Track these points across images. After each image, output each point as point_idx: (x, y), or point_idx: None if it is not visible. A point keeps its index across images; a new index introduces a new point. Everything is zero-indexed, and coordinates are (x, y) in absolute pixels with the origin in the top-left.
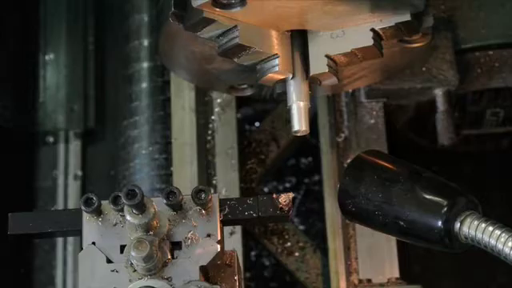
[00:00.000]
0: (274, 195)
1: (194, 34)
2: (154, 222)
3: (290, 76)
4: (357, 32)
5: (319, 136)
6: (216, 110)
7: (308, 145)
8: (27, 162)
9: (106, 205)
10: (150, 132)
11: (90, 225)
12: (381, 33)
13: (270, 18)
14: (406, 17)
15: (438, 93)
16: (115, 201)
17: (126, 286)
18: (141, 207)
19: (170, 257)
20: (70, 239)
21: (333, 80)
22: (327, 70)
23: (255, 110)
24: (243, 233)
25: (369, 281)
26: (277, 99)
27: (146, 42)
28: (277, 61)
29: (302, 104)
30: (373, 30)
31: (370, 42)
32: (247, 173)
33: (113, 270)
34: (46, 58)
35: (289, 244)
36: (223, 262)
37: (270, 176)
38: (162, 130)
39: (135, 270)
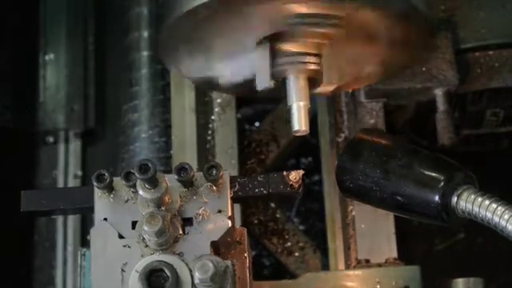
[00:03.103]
0: (285, 172)
1: (195, 29)
2: (166, 198)
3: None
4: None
5: (319, 136)
6: (216, 109)
7: (308, 145)
8: (27, 162)
9: (117, 181)
10: (149, 116)
11: (101, 201)
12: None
13: (270, 18)
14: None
15: (438, 93)
16: (127, 177)
17: (137, 261)
18: (153, 181)
19: (181, 232)
20: (70, 239)
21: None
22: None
23: (255, 110)
24: None
25: (367, 261)
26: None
27: (145, 34)
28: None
29: (302, 104)
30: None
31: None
32: (247, 173)
33: (125, 246)
34: (46, 57)
35: (289, 244)
36: (233, 239)
37: None
38: (161, 114)
39: (147, 246)
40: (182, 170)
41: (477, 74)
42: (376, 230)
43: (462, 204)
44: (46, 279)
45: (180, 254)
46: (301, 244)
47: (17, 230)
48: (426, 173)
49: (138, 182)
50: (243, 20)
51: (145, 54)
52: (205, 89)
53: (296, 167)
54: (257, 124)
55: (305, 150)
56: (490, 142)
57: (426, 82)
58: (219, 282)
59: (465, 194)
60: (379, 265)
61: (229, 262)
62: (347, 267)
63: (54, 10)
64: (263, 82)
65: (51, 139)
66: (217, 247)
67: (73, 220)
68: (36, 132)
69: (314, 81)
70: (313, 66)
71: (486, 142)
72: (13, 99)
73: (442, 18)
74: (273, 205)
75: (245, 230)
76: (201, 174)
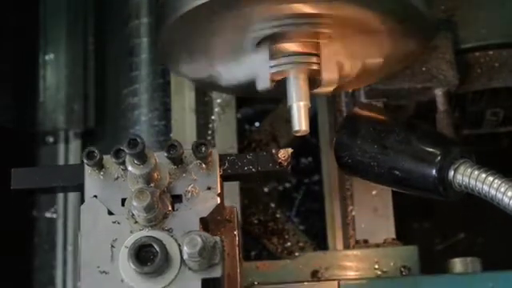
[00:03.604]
0: (274, 150)
1: (195, 30)
2: (155, 174)
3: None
4: (354, 29)
5: (319, 136)
6: (216, 110)
7: (308, 145)
8: (27, 162)
9: (107, 159)
10: (149, 99)
11: (91, 178)
12: (373, 27)
13: (270, 18)
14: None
15: (438, 93)
16: (117, 154)
17: (127, 237)
18: (142, 157)
19: (170, 209)
20: (70, 239)
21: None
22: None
23: (255, 110)
24: (243, 233)
25: (365, 241)
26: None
27: (145, 20)
28: (274, 61)
29: (302, 104)
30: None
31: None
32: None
33: (114, 222)
34: (46, 57)
35: (289, 244)
36: (223, 217)
37: None
38: (161, 98)
39: (136, 222)
40: (171, 147)
41: (477, 74)
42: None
43: (459, 178)
44: (45, 279)
45: (169, 230)
46: (301, 244)
47: (17, 230)
48: (423, 147)
49: (127, 158)
50: (243, 20)
51: (144, 40)
52: (205, 89)
53: (296, 167)
54: (257, 124)
55: (305, 150)
56: (489, 142)
57: (425, 82)
58: (208, 257)
59: (461, 168)
60: (377, 245)
61: (217, 238)
62: (346, 248)
63: (54, 9)
64: (263, 83)
65: (51, 139)
66: (206, 223)
67: (73, 220)
68: (36, 132)
69: (314, 81)
70: (313, 66)
71: (486, 142)
72: (13, 99)
73: (442, 18)
74: (273, 205)
75: (235, 209)
76: (190, 151)
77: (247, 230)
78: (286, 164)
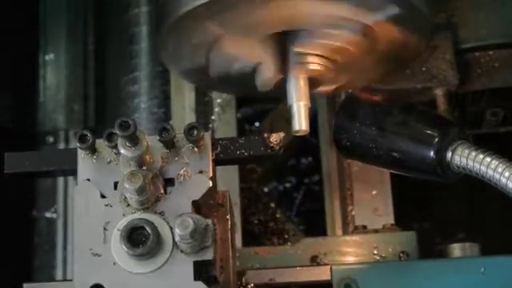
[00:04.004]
0: (266, 134)
1: (195, 29)
2: (147, 157)
3: (288, 75)
4: (354, 29)
5: (319, 136)
6: (216, 109)
7: (308, 145)
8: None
9: (100, 143)
10: (149, 87)
11: (84, 162)
12: (373, 27)
13: (270, 18)
14: (395, 10)
15: (438, 93)
16: (109, 137)
17: (119, 220)
18: (134, 139)
19: (162, 192)
20: (70, 239)
21: (329, 78)
22: (322, 69)
23: (255, 110)
24: (243, 233)
25: (364, 227)
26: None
27: (145, 9)
28: (274, 62)
29: (302, 104)
30: (363, 23)
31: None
32: (247, 173)
33: (107, 205)
34: (46, 57)
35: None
36: (216, 201)
37: (269, 176)
38: (160, 86)
39: (129, 205)
40: (163, 130)
41: (477, 74)
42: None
43: (457, 159)
44: (45, 279)
45: (161, 213)
46: None
47: (17, 231)
48: (421, 129)
49: (119, 140)
50: (243, 20)
51: (144, 28)
52: (205, 89)
53: (296, 167)
54: (257, 124)
55: (305, 150)
56: (490, 142)
57: (425, 82)
58: (199, 239)
59: (459, 149)
60: (376, 231)
61: (209, 221)
62: (345, 233)
63: (54, 9)
64: (263, 82)
65: (51, 139)
66: (198, 207)
67: (73, 220)
68: (36, 132)
69: (314, 81)
70: (313, 66)
71: (486, 142)
72: (13, 99)
73: (442, 18)
74: (273, 205)
75: (227, 193)
76: (182, 135)
77: (247, 230)
78: (277, 148)
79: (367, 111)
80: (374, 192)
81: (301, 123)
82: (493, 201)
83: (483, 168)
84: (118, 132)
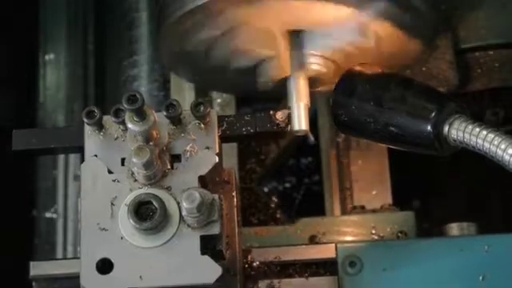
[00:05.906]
0: (271, 111)
1: (195, 30)
2: (154, 132)
3: (288, 75)
4: (354, 30)
5: (319, 136)
6: (216, 109)
7: (308, 145)
8: (27, 162)
9: (107, 119)
10: (149, 71)
11: (91, 138)
12: (379, 31)
13: (271, 18)
14: (395, 10)
15: None
16: (116, 113)
17: (126, 195)
18: (141, 113)
19: (169, 167)
20: (70, 239)
21: (329, 78)
22: (325, 70)
23: (255, 110)
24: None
25: (362, 207)
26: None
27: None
28: (274, 62)
29: (302, 104)
30: (363, 24)
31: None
32: (247, 173)
33: (114, 180)
34: (46, 57)
35: None
36: (222, 178)
37: (269, 176)
38: (160, 69)
39: (136, 180)
40: (170, 106)
41: (477, 74)
42: None
43: (454, 132)
44: None
45: (168, 188)
46: None
47: (17, 231)
48: (419, 103)
49: (127, 115)
50: (243, 21)
51: (144, 13)
52: (205, 89)
53: (296, 167)
54: None
55: (305, 149)
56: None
57: (425, 81)
58: (206, 213)
59: (456, 123)
60: (374, 210)
61: (216, 196)
62: (343, 213)
63: (54, 9)
64: (263, 82)
65: None
66: (204, 182)
67: (73, 220)
68: None
69: (314, 81)
70: (313, 66)
71: None
72: (13, 99)
73: (442, 18)
74: (273, 205)
75: (233, 170)
76: (189, 112)
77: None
78: (284, 125)
79: (365, 87)
80: (374, 192)
81: (301, 123)
82: (494, 202)
83: (480, 141)
84: (125, 106)
